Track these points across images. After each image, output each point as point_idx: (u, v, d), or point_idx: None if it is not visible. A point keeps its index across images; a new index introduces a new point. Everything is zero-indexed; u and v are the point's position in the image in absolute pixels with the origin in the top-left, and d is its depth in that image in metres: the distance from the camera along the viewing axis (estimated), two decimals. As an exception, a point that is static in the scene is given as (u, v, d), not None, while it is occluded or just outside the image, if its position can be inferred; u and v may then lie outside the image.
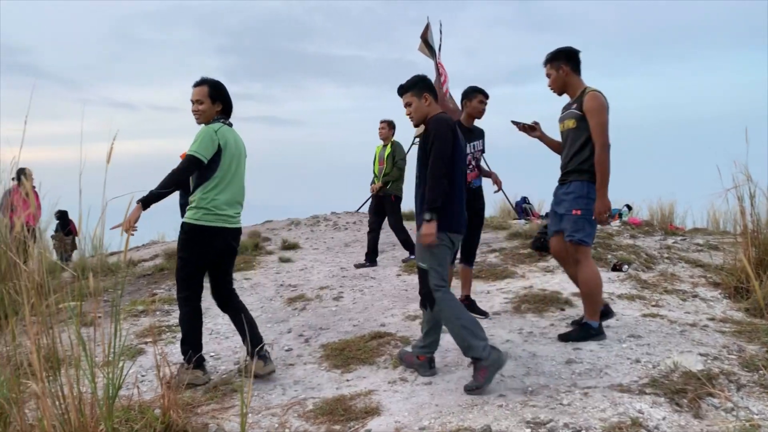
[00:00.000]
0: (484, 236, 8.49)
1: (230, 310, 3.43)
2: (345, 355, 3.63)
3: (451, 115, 13.62)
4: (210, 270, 3.39)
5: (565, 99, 3.75)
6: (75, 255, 9.27)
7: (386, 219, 6.95)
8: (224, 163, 3.22)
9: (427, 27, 12.46)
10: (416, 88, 3.21)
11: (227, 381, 3.34)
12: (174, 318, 4.76)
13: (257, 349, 3.18)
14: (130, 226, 2.95)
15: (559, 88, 3.68)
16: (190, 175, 3.22)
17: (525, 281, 5.35)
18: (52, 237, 9.79)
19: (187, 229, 3.25)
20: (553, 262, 5.84)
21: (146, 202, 3.06)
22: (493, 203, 12.58)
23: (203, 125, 3.27)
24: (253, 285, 6.04)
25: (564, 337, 3.64)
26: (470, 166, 4.32)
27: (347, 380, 3.30)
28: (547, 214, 11.42)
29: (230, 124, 3.39)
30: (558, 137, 3.85)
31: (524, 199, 11.47)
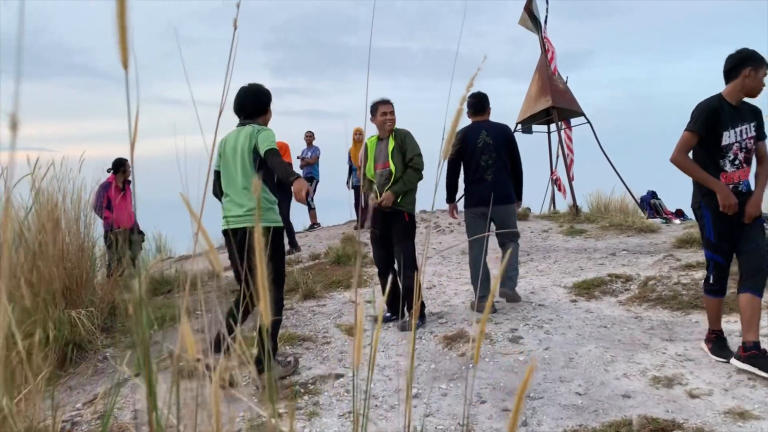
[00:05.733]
0: (640, 242, 6.96)
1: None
2: (625, 467, 2.25)
3: (560, 96, 11.65)
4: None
5: None
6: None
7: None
8: (222, 168, 3.32)
9: (532, -4, 10.87)
10: None
11: None
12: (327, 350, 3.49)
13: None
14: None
15: None
16: (218, 186, 3.35)
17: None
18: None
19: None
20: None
21: None
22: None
23: None
24: (382, 312, 4.73)
25: None
26: (737, 162, 2.96)
27: None
28: (679, 211, 9.74)
29: (243, 124, 3.35)
30: None
31: (652, 194, 9.78)
